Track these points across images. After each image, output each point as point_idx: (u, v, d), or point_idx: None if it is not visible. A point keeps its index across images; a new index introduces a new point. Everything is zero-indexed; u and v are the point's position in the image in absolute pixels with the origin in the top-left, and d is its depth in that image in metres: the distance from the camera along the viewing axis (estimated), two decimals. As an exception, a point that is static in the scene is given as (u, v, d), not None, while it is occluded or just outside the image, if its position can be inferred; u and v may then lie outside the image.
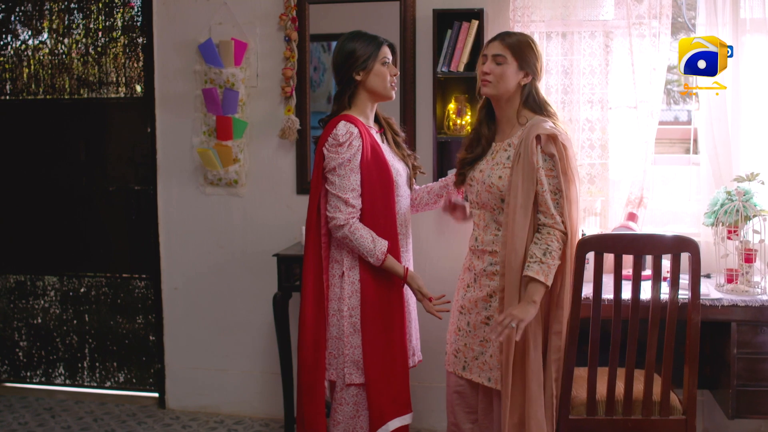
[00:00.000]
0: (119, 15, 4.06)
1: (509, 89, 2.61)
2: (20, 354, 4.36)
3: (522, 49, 2.60)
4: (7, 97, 4.24)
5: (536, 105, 2.64)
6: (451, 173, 2.94)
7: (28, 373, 4.36)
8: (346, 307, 2.68)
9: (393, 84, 2.74)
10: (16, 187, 4.29)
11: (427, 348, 3.25)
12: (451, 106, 3.52)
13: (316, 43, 3.74)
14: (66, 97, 4.18)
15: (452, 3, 3.46)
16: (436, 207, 3.01)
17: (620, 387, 2.70)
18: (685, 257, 2.60)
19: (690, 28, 3.53)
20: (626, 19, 3.31)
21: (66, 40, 4.15)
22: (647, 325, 2.62)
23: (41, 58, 4.19)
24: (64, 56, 4.16)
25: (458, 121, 3.50)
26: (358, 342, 2.67)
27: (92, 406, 4.11)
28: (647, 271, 2.92)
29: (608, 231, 3.36)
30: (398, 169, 2.77)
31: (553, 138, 2.53)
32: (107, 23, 4.08)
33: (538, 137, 2.53)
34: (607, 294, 2.73)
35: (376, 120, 2.84)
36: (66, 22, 4.13)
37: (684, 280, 2.70)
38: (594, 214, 3.46)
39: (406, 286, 2.75)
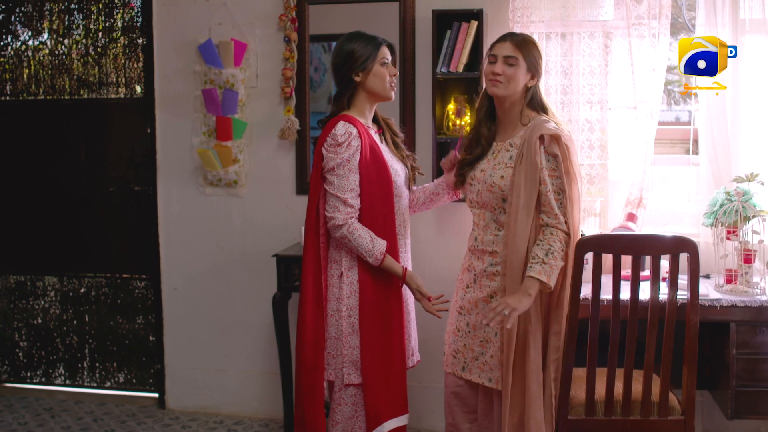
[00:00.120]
0: (119, 16, 4.06)
1: (518, 90, 2.62)
2: (20, 354, 4.36)
3: (531, 51, 2.62)
4: (7, 98, 4.25)
5: (539, 105, 2.66)
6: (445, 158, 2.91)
7: (28, 374, 4.36)
8: (345, 307, 2.67)
9: (392, 84, 2.74)
10: (16, 187, 4.30)
11: (426, 348, 3.25)
12: (451, 106, 3.52)
13: (317, 43, 3.74)
14: (66, 97, 4.18)
15: (452, 3, 3.46)
16: (433, 207, 3.01)
17: (619, 387, 2.70)
18: (684, 258, 2.60)
19: (690, 28, 3.53)
20: (626, 20, 3.31)
21: (66, 41, 4.15)
22: (646, 325, 2.62)
23: (41, 58, 4.19)
24: (64, 57, 4.16)
25: (457, 122, 3.49)
26: (357, 342, 2.66)
27: (92, 407, 4.11)
28: (646, 272, 2.92)
29: (607, 231, 3.36)
30: (397, 169, 2.77)
31: (556, 138, 2.54)
32: (107, 24, 4.08)
33: (541, 137, 2.54)
34: (606, 294, 2.74)
35: (375, 120, 2.84)
36: (66, 23, 4.13)
37: (683, 280, 2.70)
38: (593, 215, 3.46)
39: (404, 286, 2.74)
